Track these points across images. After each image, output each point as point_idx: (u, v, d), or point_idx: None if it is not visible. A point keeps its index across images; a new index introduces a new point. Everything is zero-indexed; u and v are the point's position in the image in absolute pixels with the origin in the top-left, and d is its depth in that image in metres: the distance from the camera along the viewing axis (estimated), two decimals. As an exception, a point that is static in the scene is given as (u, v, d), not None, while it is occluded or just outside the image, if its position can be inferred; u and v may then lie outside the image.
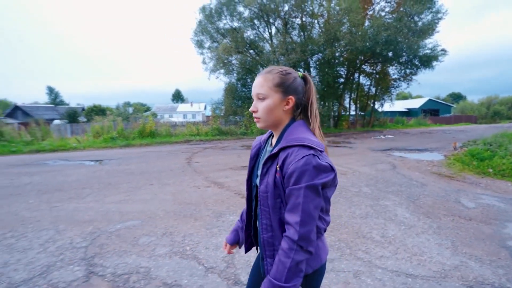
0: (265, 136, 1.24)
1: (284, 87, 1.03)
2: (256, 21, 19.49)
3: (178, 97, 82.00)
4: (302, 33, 19.38)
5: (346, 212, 3.89)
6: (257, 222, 1.15)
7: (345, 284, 2.29)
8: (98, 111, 33.98)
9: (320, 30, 18.77)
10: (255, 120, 1.09)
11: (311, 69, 20.89)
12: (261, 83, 1.04)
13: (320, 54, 18.94)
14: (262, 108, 1.04)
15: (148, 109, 62.07)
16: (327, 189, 1.00)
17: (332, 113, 22.23)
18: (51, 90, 63.61)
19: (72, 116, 33.83)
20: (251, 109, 1.09)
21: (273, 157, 1.01)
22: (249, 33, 20.15)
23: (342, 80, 22.44)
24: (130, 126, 14.54)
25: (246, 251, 1.31)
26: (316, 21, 19.07)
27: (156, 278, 2.36)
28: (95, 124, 14.89)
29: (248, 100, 18.94)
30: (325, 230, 1.10)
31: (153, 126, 14.24)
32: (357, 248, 2.88)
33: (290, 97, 1.04)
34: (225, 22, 19.74)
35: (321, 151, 0.96)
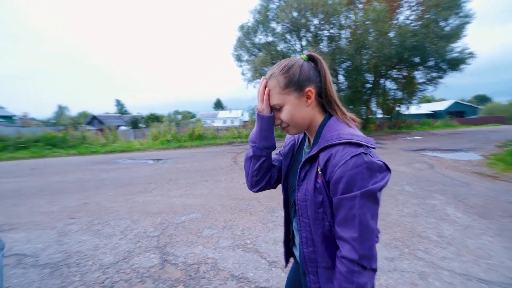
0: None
1: (294, 83, 0.77)
2: (287, 35, 19.22)
3: (218, 105, 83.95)
4: (330, 44, 18.73)
5: (394, 210, 3.50)
6: (295, 234, 0.90)
7: (412, 285, 1.98)
8: (154, 118, 35.84)
9: (348, 40, 17.98)
10: (284, 130, 0.85)
11: (340, 76, 20.11)
12: (270, 93, 0.81)
13: (349, 62, 18.11)
14: (285, 117, 0.80)
15: (193, 116, 64.32)
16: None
17: (359, 117, 21.17)
18: (118, 102, 68.52)
19: (134, 123, 36.06)
20: (275, 123, 0.85)
21: (311, 160, 0.76)
22: (282, 46, 19.94)
23: (369, 85, 21.29)
24: (181, 130, 15.01)
25: (285, 264, 1.00)
26: (343, 32, 18.30)
27: (224, 269, 2.22)
28: (153, 129, 15.58)
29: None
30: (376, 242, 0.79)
31: (201, 129, 14.55)
32: (415, 248, 2.52)
33: (308, 89, 0.77)
34: (260, 38, 19.74)
35: (372, 148, 0.70)
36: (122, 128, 32.22)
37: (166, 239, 2.79)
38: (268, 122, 0.84)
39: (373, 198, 0.66)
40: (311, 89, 0.77)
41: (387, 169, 0.69)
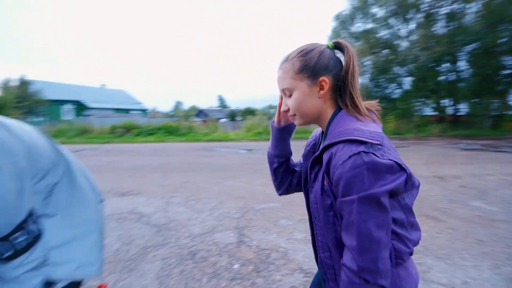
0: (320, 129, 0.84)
1: (309, 69, 0.69)
2: (391, 20, 16.83)
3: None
4: (449, 23, 15.27)
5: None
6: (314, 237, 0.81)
7: None
8: (249, 112, 38.65)
9: (477, 15, 14.19)
10: (291, 119, 0.78)
11: (461, 62, 16.22)
12: (282, 77, 0.73)
13: (476, 44, 14.35)
14: (292, 104, 0.72)
15: (286, 110, 65.41)
16: (404, 195, 0.64)
17: (487, 113, 16.54)
18: (220, 97, 77.36)
19: (232, 116, 39.96)
20: (282, 108, 0.78)
21: (318, 160, 0.68)
22: (383, 33, 17.66)
23: (507, 71, 16.29)
24: (272, 124, 15.62)
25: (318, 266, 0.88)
26: (471, 6, 14.54)
27: (293, 260, 2.22)
28: (247, 122, 16.84)
29: (381, 100, 16.68)
30: (411, 254, 0.67)
31: (290, 123, 14.77)
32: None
33: (322, 78, 0.69)
34: (358, 25, 18.06)
35: (378, 144, 0.59)
36: (222, 120, 36.36)
37: (245, 222, 3.00)
38: (277, 132, 0.86)
39: (376, 203, 0.56)
40: (325, 79, 0.69)
41: (401, 169, 0.59)
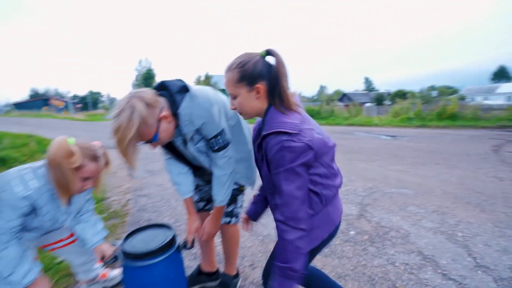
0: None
1: (246, 79, 0.88)
2: None
3: (501, 75, 58.90)
4: None
5: None
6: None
7: None
8: (401, 95, 33.14)
9: None
10: (240, 115, 1.01)
11: None
12: (227, 84, 0.93)
13: None
14: (237, 106, 0.95)
15: (454, 91, 50.68)
16: (319, 160, 0.87)
17: None
18: (366, 80, 70.40)
19: (379, 99, 35.83)
20: (230, 107, 0.98)
21: (260, 145, 0.91)
22: None
23: None
24: (429, 108, 12.88)
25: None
26: None
27: (413, 243, 2.18)
28: (395, 106, 14.80)
29: None
30: (334, 195, 0.96)
31: (456, 107, 11.61)
32: None
33: (257, 86, 0.89)
34: None
35: (295, 133, 0.81)
36: (367, 104, 33.37)
37: (369, 201, 3.08)
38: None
39: (294, 173, 0.81)
40: (260, 86, 0.89)
41: (309, 148, 0.81)
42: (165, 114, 1.09)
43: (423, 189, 3.37)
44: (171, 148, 1.35)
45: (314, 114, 14.44)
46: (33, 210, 1.12)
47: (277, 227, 0.87)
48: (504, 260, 1.93)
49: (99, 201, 3.25)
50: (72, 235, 1.48)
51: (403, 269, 1.87)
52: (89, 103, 64.17)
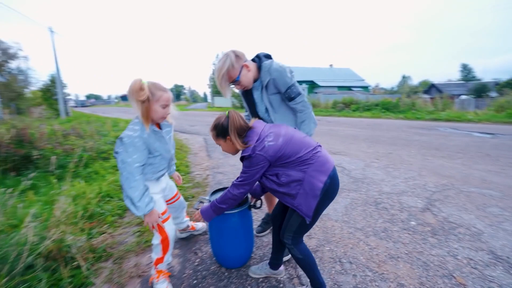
0: None
1: (219, 135, 1.45)
2: None
3: None
4: None
5: None
6: None
7: None
8: (514, 84, 26.46)
9: None
10: None
11: None
12: (212, 138, 1.50)
13: None
14: (224, 149, 1.52)
15: None
16: (277, 162, 1.35)
17: None
18: (464, 67, 58.35)
19: (479, 91, 29.51)
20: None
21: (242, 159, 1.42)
22: None
23: None
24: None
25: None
26: None
27: (484, 242, 2.04)
28: (500, 98, 12.13)
29: None
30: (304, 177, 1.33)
31: None
32: None
33: (227, 137, 1.42)
34: None
35: (253, 155, 1.33)
36: (463, 97, 27.96)
37: (439, 197, 2.90)
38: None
39: (256, 168, 1.35)
40: (229, 137, 1.40)
41: (264, 158, 1.35)
42: (246, 63, 1.65)
43: (514, 192, 2.93)
44: (249, 102, 1.87)
45: (390, 107, 13.20)
46: (148, 150, 1.52)
47: (232, 184, 1.45)
48: None
49: (186, 173, 4.02)
50: (175, 195, 1.99)
51: (465, 262, 1.83)
52: (174, 95, 73.50)
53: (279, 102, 1.75)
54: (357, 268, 1.80)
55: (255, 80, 1.75)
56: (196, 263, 1.95)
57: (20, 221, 2.18)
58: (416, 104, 13.18)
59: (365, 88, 37.32)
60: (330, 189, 1.34)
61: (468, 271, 1.74)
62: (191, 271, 1.86)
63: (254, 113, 1.87)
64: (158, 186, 1.72)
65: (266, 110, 1.78)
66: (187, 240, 2.26)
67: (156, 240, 1.65)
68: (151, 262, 1.78)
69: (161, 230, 1.64)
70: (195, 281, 1.75)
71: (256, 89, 1.76)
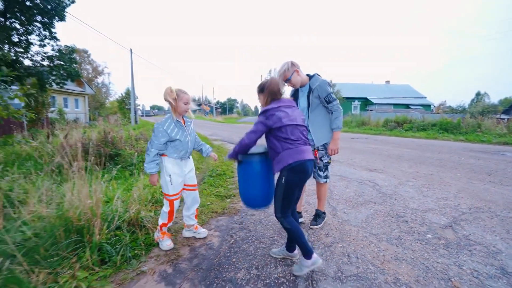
0: None
1: (260, 91, 2.10)
2: None
3: None
4: None
5: None
6: None
7: None
8: None
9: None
10: None
11: None
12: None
13: None
14: (260, 102, 2.16)
15: None
16: (276, 129, 1.90)
17: None
18: None
19: None
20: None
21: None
22: None
23: None
24: None
25: None
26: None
27: (499, 260, 2.14)
28: None
29: None
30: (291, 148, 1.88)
31: None
32: None
33: (263, 94, 2.07)
34: None
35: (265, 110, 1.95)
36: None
37: (468, 217, 2.93)
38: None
39: (260, 126, 1.92)
40: (263, 94, 2.05)
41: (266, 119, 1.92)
42: (298, 70, 2.46)
43: (559, 221, 2.79)
44: (301, 106, 2.64)
45: (450, 128, 12.17)
46: (170, 138, 2.24)
47: (245, 133, 1.97)
48: None
49: (230, 177, 4.68)
50: (194, 186, 2.59)
51: (468, 272, 1.99)
52: (226, 108, 78.11)
53: (317, 104, 2.56)
54: (362, 263, 2.13)
55: (303, 86, 2.59)
56: (231, 242, 2.51)
57: (110, 199, 3.05)
58: (483, 126, 11.87)
59: (427, 106, 34.29)
60: (296, 169, 1.84)
61: (468, 279, 1.91)
62: (226, 247, 2.42)
63: None
64: (179, 168, 2.37)
65: (307, 107, 2.57)
66: (225, 226, 2.85)
67: (166, 209, 2.37)
68: (158, 226, 2.43)
69: (171, 204, 2.34)
70: (228, 254, 2.31)
71: (302, 92, 2.62)
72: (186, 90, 2.31)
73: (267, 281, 1.92)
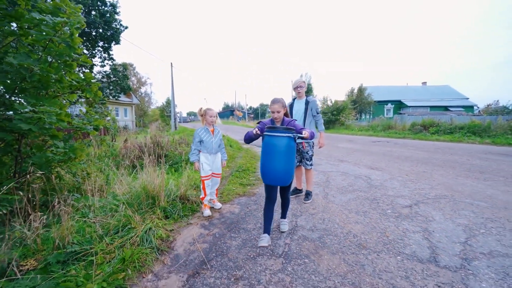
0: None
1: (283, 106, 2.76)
2: None
3: None
4: None
5: None
6: None
7: None
8: None
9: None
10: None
11: None
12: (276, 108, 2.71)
13: None
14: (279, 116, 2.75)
15: None
16: None
17: None
18: None
19: None
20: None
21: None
22: None
23: None
24: None
25: None
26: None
27: (429, 224, 3.03)
28: None
29: None
30: None
31: None
32: None
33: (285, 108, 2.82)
34: None
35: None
36: None
37: (429, 202, 3.77)
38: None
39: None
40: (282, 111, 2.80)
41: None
42: (303, 87, 3.92)
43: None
44: (291, 111, 3.95)
45: (477, 131, 12.03)
46: (201, 139, 3.56)
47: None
48: None
49: (253, 172, 5.92)
50: (219, 174, 3.85)
51: (400, 229, 2.94)
52: (259, 113, 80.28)
53: (309, 113, 3.82)
54: (330, 223, 3.19)
55: (301, 98, 3.93)
56: (246, 211, 3.72)
57: (166, 183, 4.46)
58: (516, 128, 11.55)
59: (468, 108, 32.16)
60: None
61: (398, 233, 2.87)
62: (243, 213, 3.64)
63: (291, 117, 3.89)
64: (208, 160, 3.63)
65: (304, 113, 3.81)
66: (244, 202, 4.08)
67: (201, 186, 3.67)
68: (200, 199, 3.72)
69: (202, 182, 3.61)
70: (243, 216, 3.52)
71: (300, 102, 3.92)
72: (212, 106, 3.65)
73: (265, 229, 3.10)
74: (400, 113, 27.95)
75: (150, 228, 2.87)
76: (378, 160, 7.06)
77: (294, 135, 2.41)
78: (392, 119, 20.42)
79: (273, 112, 2.70)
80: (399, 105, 34.27)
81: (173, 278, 2.22)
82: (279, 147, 2.37)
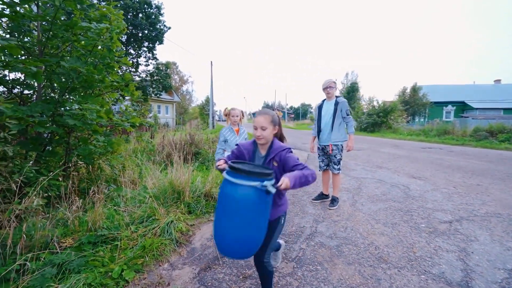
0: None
1: (274, 122, 1.83)
2: None
3: None
4: None
5: None
6: None
7: None
8: None
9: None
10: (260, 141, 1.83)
11: None
12: (261, 120, 1.79)
13: None
14: (263, 134, 1.78)
15: None
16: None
17: None
18: None
19: None
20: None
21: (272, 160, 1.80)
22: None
23: None
24: None
25: None
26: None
27: (469, 245, 2.78)
28: None
29: None
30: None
31: None
32: None
33: (276, 127, 1.86)
34: None
35: (290, 148, 1.80)
36: None
37: (477, 219, 3.42)
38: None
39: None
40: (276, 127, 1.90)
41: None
42: (334, 87, 3.92)
43: None
44: (319, 114, 4.03)
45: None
46: (225, 139, 3.72)
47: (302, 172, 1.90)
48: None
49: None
50: None
51: (432, 247, 2.76)
52: (300, 113, 79.48)
53: (338, 114, 3.82)
54: (353, 232, 3.12)
55: (330, 99, 3.95)
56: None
57: (194, 179, 4.78)
58: None
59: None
60: None
61: (428, 250, 2.70)
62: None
63: (319, 122, 3.99)
64: None
65: (333, 114, 3.82)
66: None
67: None
68: None
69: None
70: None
71: (329, 104, 3.92)
72: (236, 106, 3.87)
73: (283, 233, 3.17)
74: (463, 116, 25.17)
75: (172, 221, 3.15)
76: (422, 169, 6.55)
77: (264, 185, 1.44)
78: (452, 122, 18.53)
79: (255, 129, 1.80)
80: (462, 107, 30.88)
81: (186, 270, 2.44)
82: (238, 202, 1.48)
